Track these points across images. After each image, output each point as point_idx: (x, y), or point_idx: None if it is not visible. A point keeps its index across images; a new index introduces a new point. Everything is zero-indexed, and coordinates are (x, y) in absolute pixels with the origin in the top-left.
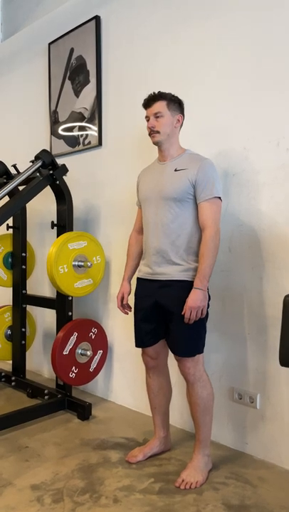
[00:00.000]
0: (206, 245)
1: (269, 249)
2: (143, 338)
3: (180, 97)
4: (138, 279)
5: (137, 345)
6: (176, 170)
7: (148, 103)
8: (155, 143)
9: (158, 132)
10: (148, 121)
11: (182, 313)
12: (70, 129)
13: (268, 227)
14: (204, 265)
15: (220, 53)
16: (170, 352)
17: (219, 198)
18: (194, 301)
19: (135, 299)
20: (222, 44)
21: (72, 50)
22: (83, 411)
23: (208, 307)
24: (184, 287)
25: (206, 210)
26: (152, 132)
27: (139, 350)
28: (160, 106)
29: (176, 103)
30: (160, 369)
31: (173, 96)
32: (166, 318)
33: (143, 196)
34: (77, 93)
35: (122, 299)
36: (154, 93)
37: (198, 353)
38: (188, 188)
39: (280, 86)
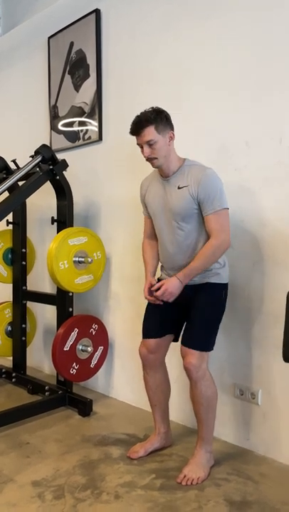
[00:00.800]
0: (206, 250)
1: (270, 245)
2: (150, 328)
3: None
4: (159, 279)
5: (144, 335)
6: (179, 187)
7: (136, 131)
8: (155, 167)
9: (156, 158)
10: (141, 148)
11: (160, 292)
12: (70, 124)
13: (270, 223)
14: (195, 265)
15: (221, 50)
16: (172, 351)
17: (226, 208)
18: (171, 287)
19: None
20: (223, 41)
21: (72, 44)
22: (84, 407)
23: (224, 309)
24: (204, 288)
25: (212, 222)
26: (149, 159)
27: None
28: (150, 133)
29: (163, 121)
30: (157, 366)
31: (157, 114)
32: (182, 314)
33: (153, 211)
34: (77, 87)
35: (150, 287)
36: (139, 119)
37: (206, 349)
38: (192, 203)
39: (283, 80)
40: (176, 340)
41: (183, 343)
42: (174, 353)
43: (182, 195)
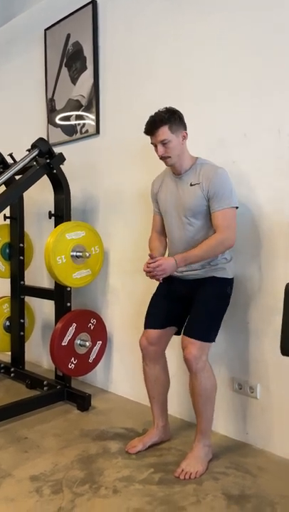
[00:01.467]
0: (210, 241)
1: (269, 238)
2: (153, 319)
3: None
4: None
5: (146, 326)
6: (191, 184)
7: (151, 131)
8: (169, 166)
9: (169, 157)
10: (155, 146)
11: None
12: (67, 118)
13: (268, 215)
14: (195, 252)
15: (220, 41)
16: (171, 345)
17: (234, 207)
18: (166, 264)
19: (159, 285)
20: (223, 33)
21: (68, 36)
22: (83, 402)
23: (227, 304)
24: (209, 281)
25: (218, 219)
26: (163, 158)
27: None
28: (164, 133)
29: (176, 121)
30: (157, 357)
31: (171, 114)
32: (186, 309)
33: (164, 208)
34: (74, 80)
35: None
36: (153, 119)
37: (208, 340)
38: (203, 200)
39: (283, 71)
40: (178, 333)
41: (184, 333)
42: (173, 347)
43: (194, 192)
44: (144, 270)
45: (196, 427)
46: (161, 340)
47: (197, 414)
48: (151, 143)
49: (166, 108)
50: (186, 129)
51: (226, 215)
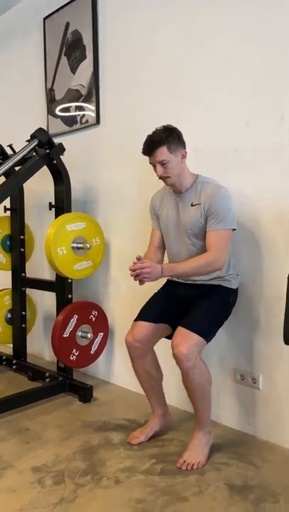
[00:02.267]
0: (200, 259)
1: (271, 228)
2: (147, 312)
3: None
4: (168, 280)
5: (138, 317)
6: (192, 205)
7: (149, 151)
8: (169, 185)
9: (168, 177)
10: (154, 166)
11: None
12: (67, 109)
13: (270, 205)
14: (183, 267)
15: (221, 27)
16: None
17: (231, 229)
18: (153, 269)
19: (162, 286)
20: (224, 19)
21: (67, 25)
22: (84, 393)
23: (229, 313)
24: (213, 288)
25: (212, 239)
26: (162, 178)
27: None
28: (162, 153)
29: (175, 140)
30: (143, 354)
31: (169, 133)
32: (184, 312)
33: (165, 226)
34: (73, 69)
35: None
36: (151, 139)
37: (205, 337)
38: (203, 220)
39: (284, 57)
40: (170, 337)
41: (182, 325)
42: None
43: (195, 212)
44: (130, 269)
45: (194, 416)
46: (148, 336)
47: (194, 406)
48: (150, 163)
49: (164, 127)
50: (185, 148)
51: (221, 237)
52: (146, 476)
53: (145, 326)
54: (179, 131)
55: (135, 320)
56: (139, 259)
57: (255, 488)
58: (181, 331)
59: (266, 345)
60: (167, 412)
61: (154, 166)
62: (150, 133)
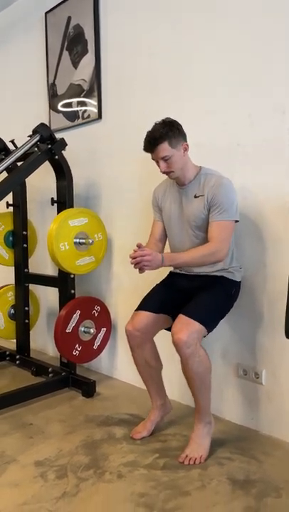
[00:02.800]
0: (202, 249)
1: (274, 222)
2: (148, 302)
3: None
4: (171, 272)
5: (139, 307)
6: (195, 196)
7: (150, 148)
8: (173, 179)
9: (172, 171)
10: (157, 162)
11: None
12: (69, 104)
13: (273, 199)
14: (184, 257)
15: (224, 20)
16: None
17: (233, 220)
18: (154, 257)
19: (165, 277)
20: (226, 11)
21: (69, 19)
22: (87, 388)
23: (231, 305)
24: (216, 279)
25: (215, 230)
26: (166, 173)
27: None
28: (164, 149)
29: (175, 134)
30: (142, 343)
31: (170, 128)
32: (188, 299)
33: (168, 219)
34: (75, 64)
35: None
36: (152, 136)
37: (207, 326)
38: (206, 212)
39: (287, 54)
40: (170, 329)
41: (183, 313)
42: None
43: (198, 204)
44: (130, 256)
45: (194, 407)
46: (149, 326)
47: (194, 395)
48: (152, 159)
49: (163, 121)
50: (186, 140)
51: (223, 228)
52: (148, 471)
53: (146, 316)
54: (179, 124)
55: (136, 309)
56: (139, 246)
57: (258, 483)
58: (181, 318)
59: (269, 340)
60: (166, 401)
61: (157, 162)
62: (150, 129)
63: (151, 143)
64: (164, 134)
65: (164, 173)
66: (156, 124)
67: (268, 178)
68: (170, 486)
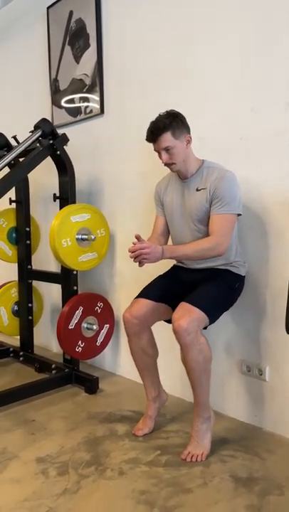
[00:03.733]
0: (203, 243)
1: (277, 217)
2: (148, 290)
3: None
4: (175, 265)
5: (139, 295)
6: (197, 190)
7: (153, 138)
8: (174, 172)
9: (174, 163)
10: (159, 153)
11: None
12: (72, 100)
13: (276, 193)
14: (185, 249)
15: (225, 14)
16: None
17: (235, 214)
18: (153, 250)
19: (169, 269)
20: (228, 7)
21: (71, 13)
22: (90, 385)
23: (234, 299)
24: (220, 272)
25: (216, 223)
26: (168, 165)
27: None
28: (166, 139)
29: (179, 125)
30: (139, 332)
31: (173, 118)
32: (189, 292)
33: (170, 213)
34: (77, 59)
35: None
36: (155, 126)
37: (209, 314)
38: (208, 205)
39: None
40: (170, 321)
41: (185, 300)
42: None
43: (200, 197)
44: (129, 250)
45: (193, 400)
46: (147, 314)
47: (193, 387)
48: (154, 150)
49: (167, 112)
50: (189, 132)
51: (225, 221)
52: (150, 468)
53: (145, 304)
54: (183, 116)
55: (136, 297)
56: (138, 238)
57: (261, 481)
58: (183, 305)
59: (273, 336)
60: (161, 391)
61: (159, 153)
62: (153, 119)
63: (154, 133)
64: (168, 125)
65: (165, 164)
66: (160, 114)
67: (271, 172)
68: (172, 483)
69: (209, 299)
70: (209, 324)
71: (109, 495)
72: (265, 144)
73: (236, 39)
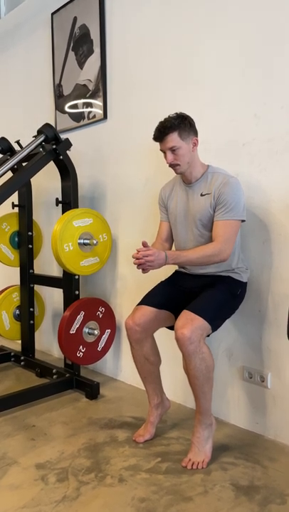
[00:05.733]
0: (207, 248)
1: (281, 223)
2: (150, 297)
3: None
4: (176, 270)
5: (141, 302)
6: (202, 195)
7: (159, 137)
8: (178, 174)
9: (178, 165)
10: (164, 153)
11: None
12: (75, 106)
13: (279, 198)
14: (189, 255)
15: (230, 19)
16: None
17: (239, 220)
18: (157, 256)
19: (170, 275)
20: (233, 9)
21: (75, 19)
22: (91, 390)
23: (236, 306)
24: (222, 278)
25: (220, 229)
26: (172, 166)
27: None
28: (173, 139)
29: (186, 127)
30: (142, 339)
31: (181, 120)
32: (191, 299)
33: (174, 217)
34: (81, 64)
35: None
36: (162, 125)
37: (211, 323)
38: (212, 211)
39: None
40: (172, 328)
41: (187, 309)
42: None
43: (204, 202)
44: (133, 256)
45: (195, 407)
46: (149, 321)
47: (195, 394)
48: (160, 149)
49: (176, 114)
50: (196, 136)
51: (229, 227)
52: (150, 475)
53: (147, 311)
54: (192, 119)
55: (138, 304)
56: (144, 245)
57: (262, 489)
58: (186, 314)
59: (275, 343)
60: (163, 398)
61: (164, 153)
62: (162, 119)
63: (161, 131)
64: (175, 125)
65: (170, 165)
66: (169, 116)
67: (274, 178)
68: (172, 491)
69: (212, 307)
70: (212, 332)
71: (109, 502)
72: (269, 149)
73: (238, 44)
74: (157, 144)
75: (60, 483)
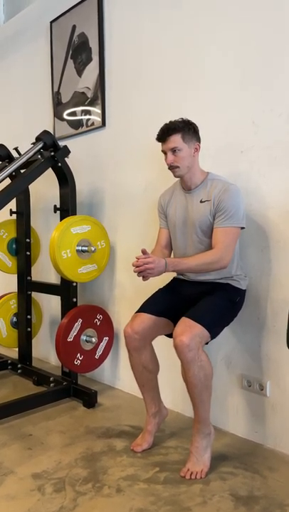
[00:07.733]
0: (206, 256)
1: (279, 230)
2: (149, 304)
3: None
4: (175, 277)
5: (139, 309)
6: (201, 201)
7: (162, 137)
8: (177, 177)
9: (178, 167)
10: (165, 154)
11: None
12: (74, 113)
13: (278, 205)
14: (188, 263)
15: (229, 25)
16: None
17: (239, 227)
18: (157, 263)
19: (169, 282)
20: (231, 16)
21: (74, 28)
22: (89, 398)
23: (235, 313)
24: (221, 286)
25: (220, 236)
26: (172, 167)
27: None
28: (175, 140)
29: (190, 131)
30: (140, 347)
31: (186, 124)
32: (191, 305)
33: (173, 224)
34: (79, 72)
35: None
36: (167, 126)
37: (210, 330)
38: (212, 218)
39: None
40: (171, 335)
41: (186, 316)
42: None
43: (204, 209)
44: (133, 264)
45: (194, 416)
46: (148, 329)
47: (193, 403)
48: (162, 150)
49: (182, 118)
50: (199, 142)
51: (229, 234)
52: (148, 485)
53: (146, 318)
54: (196, 126)
55: (136, 312)
56: (144, 252)
57: (262, 499)
58: (184, 321)
59: (274, 351)
60: (161, 407)
61: (165, 154)
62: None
63: (165, 132)
64: (179, 127)
65: (169, 167)
66: (175, 119)
67: (273, 185)
68: (170, 501)
69: (210, 314)
70: (210, 340)
71: None
72: (268, 156)
73: (237, 51)
74: (156, 150)
75: (57, 493)
